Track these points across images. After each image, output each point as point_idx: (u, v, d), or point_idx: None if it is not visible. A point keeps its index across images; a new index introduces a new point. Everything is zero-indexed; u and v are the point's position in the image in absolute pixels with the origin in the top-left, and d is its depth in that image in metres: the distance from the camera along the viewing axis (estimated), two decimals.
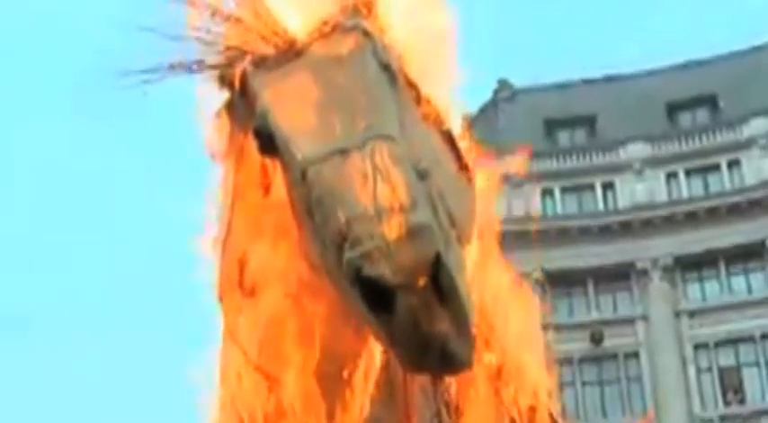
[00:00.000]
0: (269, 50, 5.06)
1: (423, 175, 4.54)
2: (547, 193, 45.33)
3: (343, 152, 4.52)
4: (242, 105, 5.13)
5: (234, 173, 5.27)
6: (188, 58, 5.11)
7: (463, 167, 5.21)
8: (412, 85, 5.05)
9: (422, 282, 4.23)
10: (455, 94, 5.36)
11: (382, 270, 4.23)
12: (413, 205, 4.36)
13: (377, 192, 4.37)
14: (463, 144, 5.33)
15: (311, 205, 4.51)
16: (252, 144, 5.01)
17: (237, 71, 5.05)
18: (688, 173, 44.91)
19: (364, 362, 4.98)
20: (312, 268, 4.81)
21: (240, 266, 5.14)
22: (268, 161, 5.07)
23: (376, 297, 4.27)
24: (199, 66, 5.14)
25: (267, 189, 5.20)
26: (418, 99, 5.07)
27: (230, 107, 5.25)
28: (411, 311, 4.25)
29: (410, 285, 4.23)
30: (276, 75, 4.96)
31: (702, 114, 48.40)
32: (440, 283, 4.29)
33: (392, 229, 4.28)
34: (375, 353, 4.93)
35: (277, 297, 5.03)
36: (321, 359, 4.94)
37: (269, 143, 4.78)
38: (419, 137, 4.82)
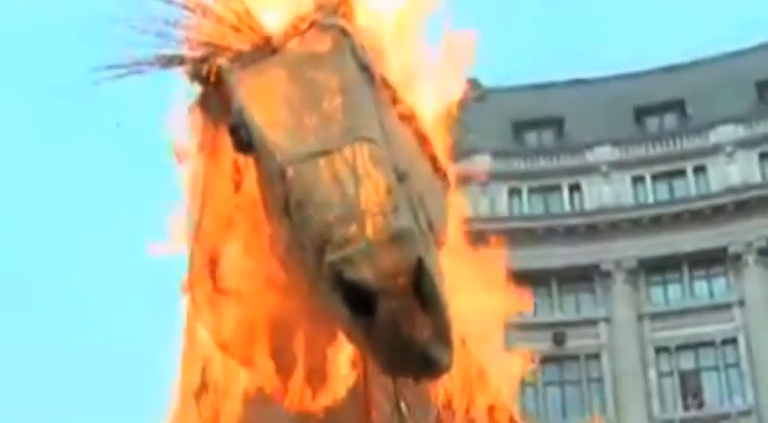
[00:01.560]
0: (245, 47, 5.02)
1: (402, 178, 4.49)
2: (514, 193, 45.37)
3: (324, 154, 4.46)
4: (216, 100, 5.09)
5: (206, 167, 5.22)
6: (164, 52, 5.08)
7: (437, 169, 5.17)
8: (388, 86, 5.02)
9: (402, 282, 4.20)
10: (428, 95, 5.37)
11: (364, 274, 4.19)
12: (394, 209, 4.31)
13: (358, 195, 4.32)
14: (438, 145, 5.30)
15: (289, 205, 4.44)
16: (225, 139, 4.96)
17: (212, 66, 5.01)
18: (654, 177, 45.06)
19: (333, 355, 4.97)
20: (282, 265, 4.79)
21: (212, 263, 5.09)
22: (240, 157, 5.04)
23: (357, 301, 4.23)
24: (175, 60, 5.10)
25: (238, 185, 5.15)
26: (394, 99, 5.04)
27: (204, 102, 5.19)
28: (392, 315, 4.21)
29: (392, 289, 4.19)
30: (251, 71, 4.89)
31: (670, 119, 48.55)
32: (421, 288, 4.25)
33: (374, 232, 4.24)
34: (344, 347, 4.93)
35: (247, 300, 4.99)
36: (291, 351, 4.93)
37: (244, 140, 4.72)
38: (397, 138, 4.77)
